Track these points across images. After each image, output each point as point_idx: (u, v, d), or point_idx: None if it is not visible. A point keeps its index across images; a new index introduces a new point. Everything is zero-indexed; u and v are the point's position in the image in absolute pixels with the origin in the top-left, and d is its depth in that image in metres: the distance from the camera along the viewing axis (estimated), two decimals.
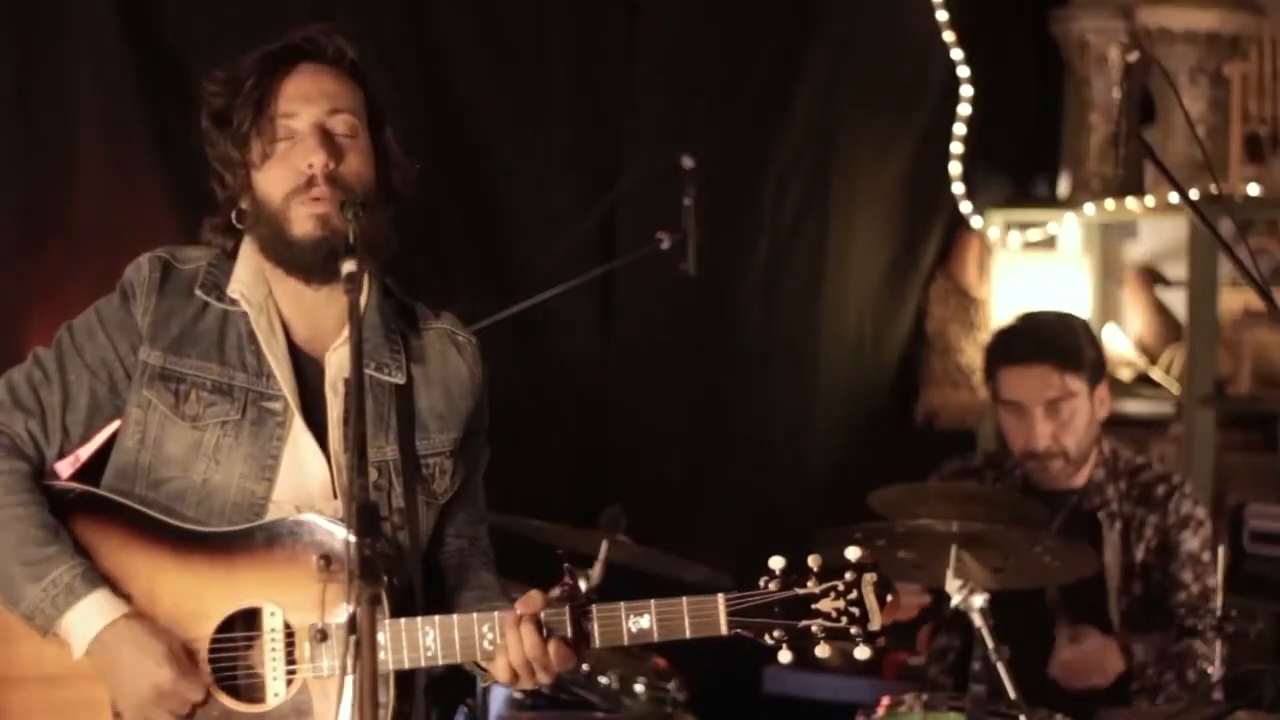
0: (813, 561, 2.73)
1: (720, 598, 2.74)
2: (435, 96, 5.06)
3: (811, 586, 2.73)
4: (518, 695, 4.21)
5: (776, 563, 2.74)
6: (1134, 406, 6.22)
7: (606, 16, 5.42)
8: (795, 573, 2.74)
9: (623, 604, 2.77)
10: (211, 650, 2.82)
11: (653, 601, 2.76)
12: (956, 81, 6.08)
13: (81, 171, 4.41)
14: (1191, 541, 4.48)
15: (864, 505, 4.02)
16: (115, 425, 2.93)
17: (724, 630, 2.74)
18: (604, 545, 3.99)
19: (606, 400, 5.50)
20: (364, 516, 2.40)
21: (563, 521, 4.10)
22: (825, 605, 2.72)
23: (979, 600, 3.82)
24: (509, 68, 5.22)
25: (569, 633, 2.76)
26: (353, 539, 2.38)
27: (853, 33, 5.92)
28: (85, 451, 3.07)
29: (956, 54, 6.06)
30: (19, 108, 4.34)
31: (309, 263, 2.85)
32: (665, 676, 4.34)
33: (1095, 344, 4.60)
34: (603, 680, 4.21)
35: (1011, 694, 3.79)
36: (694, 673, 4.44)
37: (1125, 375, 6.22)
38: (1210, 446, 5.82)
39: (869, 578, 2.73)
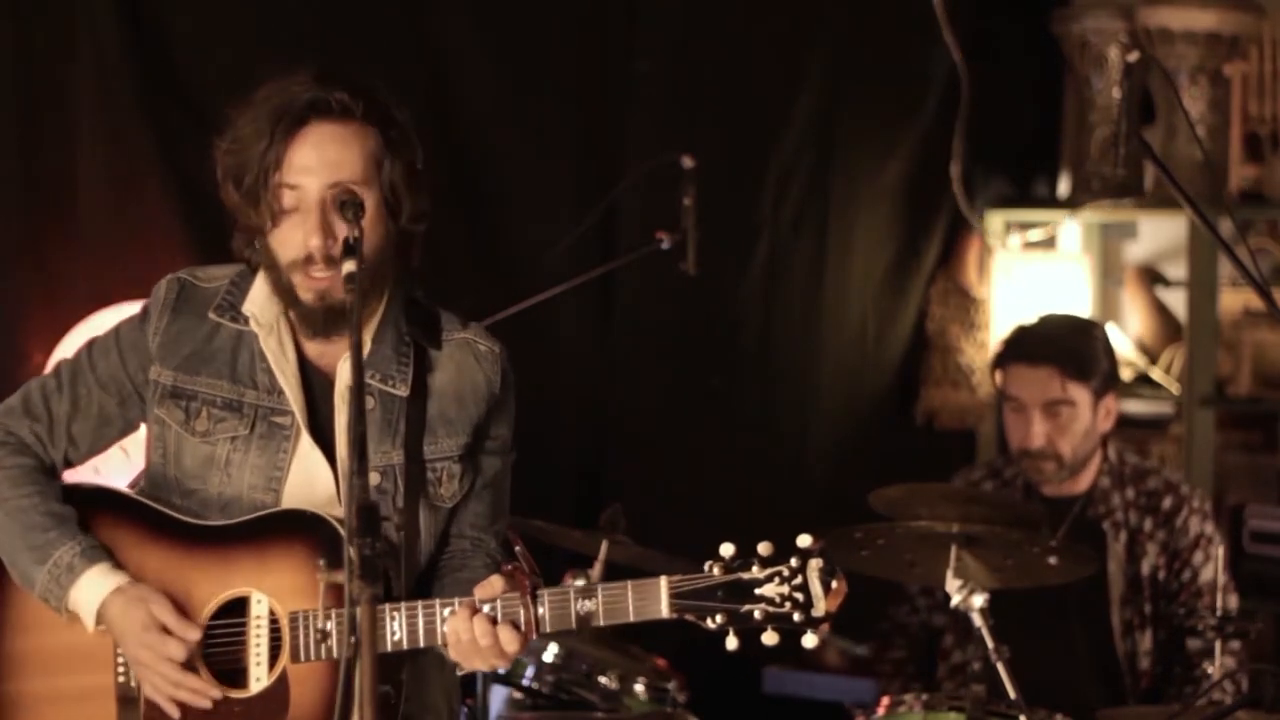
0: (762, 548, 2.73)
1: (663, 580, 2.75)
2: (435, 97, 5.05)
3: (755, 571, 2.72)
4: (518, 695, 4.21)
5: (726, 549, 2.75)
6: (1134, 406, 6.22)
7: (606, 17, 5.42)
8: (742, 558, 2.74)
9: (572, 588, 2.80)
10: (205, 636, 2.90)
11: (600, 585, 2.79)
12: (956, 81, 6.08)
13: (81, 172, 4.41)
14: (1207, 568, 4.46)
15: (864, 505, 4.02)
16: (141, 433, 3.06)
17: (665, 613, 2.74)
18: (604, 545, 3.99)
19: (606, 400, 5.50)
20: (364, 516, 2.44)
21: (562, 521, 4.10)
22: (769, 590, 2.72)
23: (979, 600, 3.82)
24: (509, 68, 5.21)
25: (519, 616, 2.79)
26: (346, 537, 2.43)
27: (853, 33, 5.91)
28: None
29: (956, 54, 6.06)
30: (19, 108, 4.34)
31: (313, 324, 2.95)
32: (665, 676, 4.34)
33: (1111, 355, 4.61)
34: (603, 680, 4.21)
35: (1011, 694, 3.79)
36: (694, 673, 4.44)
37: (1125, 375, 6.21)
38: (1210, 446, 5.82)
39: (815, 563, 2.72)
